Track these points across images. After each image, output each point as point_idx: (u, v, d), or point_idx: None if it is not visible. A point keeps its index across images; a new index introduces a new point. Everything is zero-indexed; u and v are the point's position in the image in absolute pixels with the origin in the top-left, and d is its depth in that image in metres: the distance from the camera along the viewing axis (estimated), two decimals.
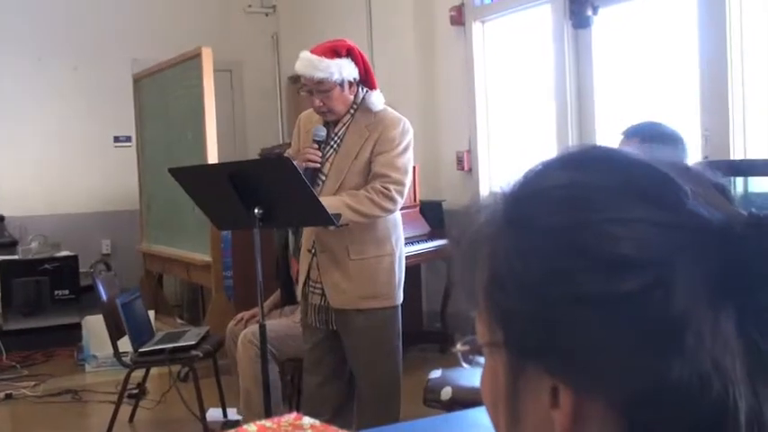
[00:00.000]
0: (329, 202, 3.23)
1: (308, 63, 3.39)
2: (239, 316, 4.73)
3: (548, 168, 0.69)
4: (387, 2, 7.08)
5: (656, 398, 0.60)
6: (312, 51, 3.42)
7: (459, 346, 0.75)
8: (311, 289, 3.55)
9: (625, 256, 0.60)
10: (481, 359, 0.72)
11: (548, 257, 0.63)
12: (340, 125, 3.49)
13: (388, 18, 7.08)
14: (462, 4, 6.33)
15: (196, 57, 6.18)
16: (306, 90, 3.47)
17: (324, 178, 3.44)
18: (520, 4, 5.91)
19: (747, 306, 0.60)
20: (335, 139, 3.49)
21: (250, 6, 8.94)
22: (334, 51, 3.41)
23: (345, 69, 3.39)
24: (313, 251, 3.52)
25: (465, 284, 0.71)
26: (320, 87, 3.39)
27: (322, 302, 3.51)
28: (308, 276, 3.57)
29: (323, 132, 3.47)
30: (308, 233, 3.61)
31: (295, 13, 8.70)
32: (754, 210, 0.63)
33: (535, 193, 0.67)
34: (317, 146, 3.45)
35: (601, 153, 0.69)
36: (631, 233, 0.61)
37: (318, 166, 3.42)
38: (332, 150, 3.49)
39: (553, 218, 0.64)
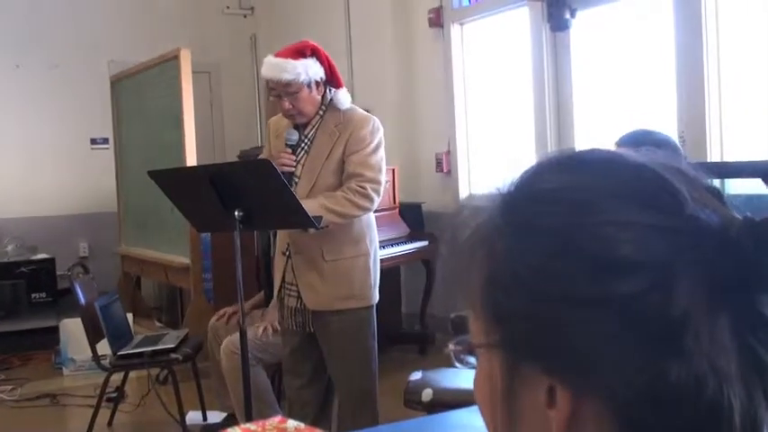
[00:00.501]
0: (307, 206, 3.22)
1: (274, 66, 3.39)
2: (222, 311, 4.73)
3: (545, 169, 0.69)
4: (365, 4, 7.09)
5: (653, 398, 0.60)
6: (277, 55, 3.43)
7: (451, 346, 0.75)
8: (287, 291, 3.55)
9: (623, 258, 0.61)
10: (473, 359, 0.73)
11: (546, 258, 0.63)
12: (309, 127, 3.50)
13: (366, 20, 7.08)
14: (440, 7, 6.35)
15: (174, 58, 6.15)
16: (274, 94, 3.47)
17: (296, 180, 3.44)
18: (498, 7, 5.93)
19: (743, 309, 0.61)
20: (306, 141, 3.50)
21: (228, 8, 8.92)
22: (299, 52, 3.41)
23: (311, 69, 3.40)
24: (287, 253, 3.52)
25: (461, 285, 0.71)
26: (288, 90, 3.39)
27: (298, 305, 3.51)
28: (283, 279, 3.56)
29: (295, 136, 3.47)
30: (281, 236, 3.60)
31: (273, 14, 8.69)
32: (749, 214, 0.64)
33: (533, 194, 0.67)
34: (290, 150, 3.45)
35: (599, 155, 0.70)
36: (629, 235, 0.61)
37: (293, 169, 3.42)
38: (303, 152, 3.49)
39: (552, 219, 0.64)
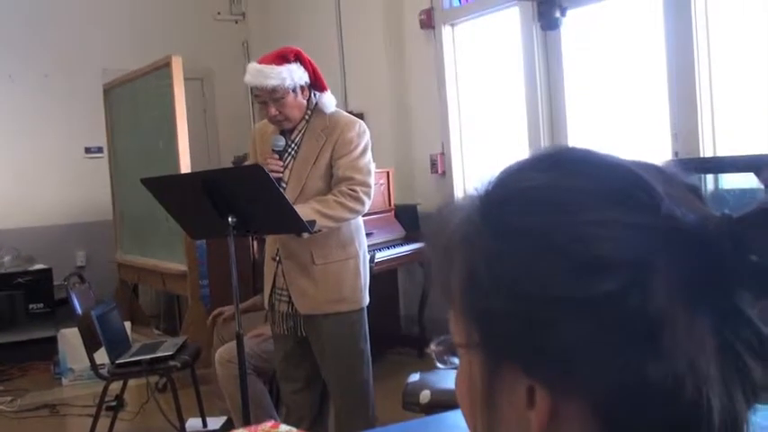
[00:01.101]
0: (300, 211, 3.23)
1: (259, 73, 3.38)
2: (217, 311, 4.75)
3: (523, 169, 0.70)
4: (356, 7, 7.09)
5: (632, 398, 0.61)
6: (260, 61, 3.43)
7: (433, 347, 0.75)
8: (278, 297, 3.55)
9: (600, 257, 0.61)
10: (456, 359, 0.73)
11: (524, 258, 0.63)
12: (296, 132, 3.50)
13: (358, 23, 7.09)
14: (431, 8, 6.35)
15: (166, 65, 6.16)
16: (260, 101, 3.47)
17: (284, 186, 3.43)
18: (488, 7, 5.94)
19: (722, 307, 0.61)
20: (293, 146, 3.50)
21: (219, 14, 8.92)
22: (283, 57, 3.41)
23: (296, 74, 3.40)
24: (277, 258, 3.52)
25: (441, 284, 0.71)
26: (274, 96, 3.39)
27: (289, 309, 3.51)
28: (273, 284, 3.56)
29: (282, 142, 3.47)
30: (271, 241, 3.60)
31: (265, 20, 8.69)
32: (726, 211, 0.63)
33: (511, 193, 0.67)
34: (277, 156, 3.45)
35: (576, 154, 0.70)
36: (606, 234, 0.61)
37: (281, 176, 3.42)
38: (290, 157, 3.49)
39: (529, 219, 0.64)
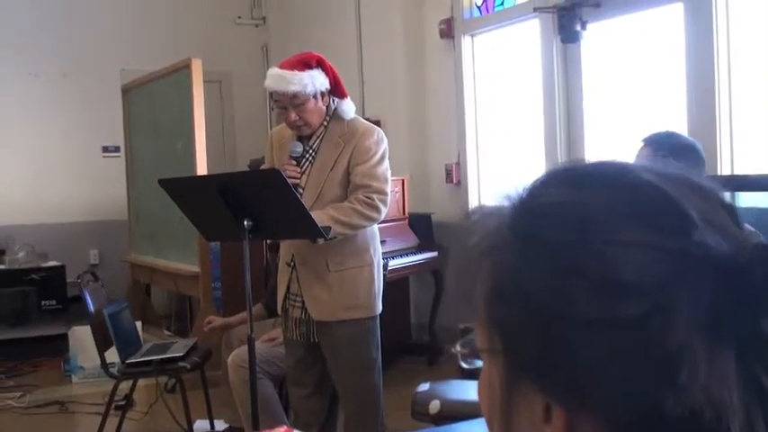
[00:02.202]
0: (316, 217, 3.22)
1: (281, 78, 3.37)
2: (208, 319, 4.79)
3: (553, 181, 0.69)
4: (376, 14, 7.10)
5: (647, 425, 0.60)
6: (281, 66, 3.41)
7: (458, 347, 0.75)
8: (291, 302, 3.54)
9: (625, 281, 0.59)
10: (479, 362, 0.73)
11: (549, 275, 0.62)
12: (314, 138, 3.49)
13: (377, 30, 7.10)
14: (452, 18, 6.36)
15: (185, 67, 6.18)
16: (280, 106, 3.45)
17: (301, 192, 3.42)
18: (509, 18, 5.94)
19: (749, 338, 0.60)
20: (310, 151, 3.49)
21: (240, 18, 8.95)
22: (305, 63, 3.40)
23: (317, 80, 3.39)
24: (292, 264, 3.51)
25: (465, 290, 0.70)
26: (295, 101, 3.37)
27: (302, 315, 3.50)
28: (287, 290, 3.55)
29: (299, 148, 3.46)
30: (285, 246, 3.60)
31: (285, 24, 8.71)
32: (762, 239, 0.62)
33: (540, 207, 0.67)
34: (294, 162, 3.45)
35: (607, 169, 0.68)
36: (633, 257, 0.60)
37: (298, 181, 3.42)
38: (308, 163, 3.48)
39: (555, 235, 0.63)
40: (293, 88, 3.34)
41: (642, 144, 3.19)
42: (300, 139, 3.50)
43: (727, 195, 0.67)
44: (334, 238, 3.33)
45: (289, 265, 3.53)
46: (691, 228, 0.61)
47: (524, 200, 0.68)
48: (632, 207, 0.63)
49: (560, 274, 0.62)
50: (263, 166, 3.74)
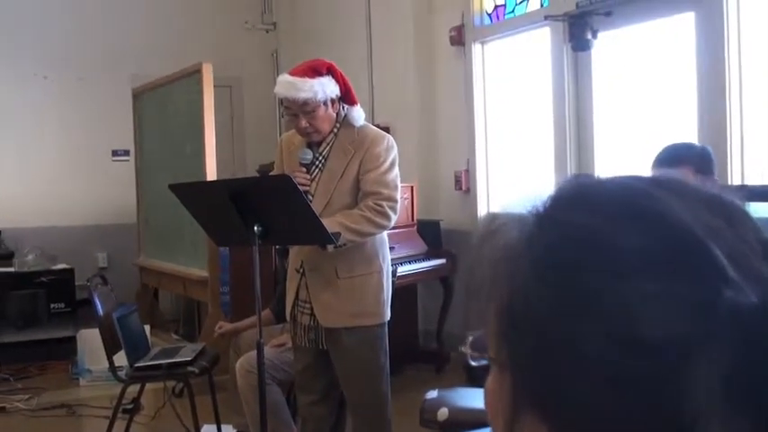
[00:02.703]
0: (326, 224, 3.22)
1: (291, 85, 3.35)
2: (219, 324, 4.79)
3: (580, 203, 0.65)
4: (387, 21, 7.11)
5: None
6: (292, 73, 3.40)
7: (468, 348, 0.73)
8: (300, 309, 3.53)
9: (643, 335, 0.56)
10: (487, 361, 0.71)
11: (565, 311, 0.59)
12: (324, 144, 3.48)
13: (387, 37, 7.11)
14: (462, 25, 6.36)
15: (196, 72, 6.20)
16: (290, 113, 3.43)
17: (311, 199, 3.42)
18: (520, 26, 5.94)
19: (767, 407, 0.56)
20: (320, 158, 3.48)
21: (251, 23, 8.97)
22: (315, 70, 3.39)
23: (328, 87, 3.38)
24: (301, 271, 3.51)
25: (478, 300, 0.68)
26: (305, 108, 3.36)
27: (311, 322, 3.49)
28: (297, 296, 3.55)
29: (309, 155, 3.46)
30: (294, 253, 3.59)
31: (295, 30, 8.74)
32: None
33: (564, 235, 0.63)
34: (304, 169, 3.45)
35: (638, 198, 0.63)
36: (653, 309, 0.56)
37: (308, 188, 3.42)
38: (317, 170, 3.48)
39: (575, 272, 0.60)
40: (303, 95, 3.34)
41: (656, 166, 3.14)
42: (310, 145, 3.50)
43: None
44: (344, 245, 3.33)
45: (298, 271, 3.53)
46: (721, 281, 0.57)
47: (546, 220, 0.65)
48: (661, 252, 0.59)
49: (577, 313, 0.59)
50: (272, 172, 3.73)
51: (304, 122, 3.40)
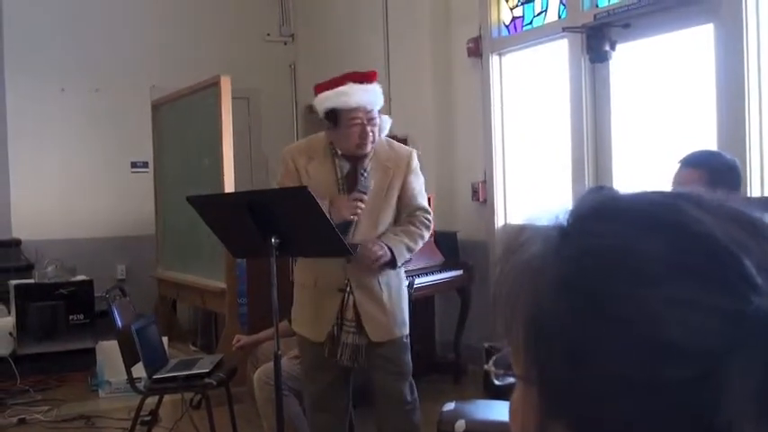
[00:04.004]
0: (394, 246, 3.34)
1: (376, 93, 3.37)
2: (237, 338, 4.79)
3: (604, 214, 0.65)
4: (404, 33, 7.13)
5: None
6: (363, 80, 3.37)
7: (491, 366, 0.73)
8: (346, 328, 3.48)
9: (672, 342, 0.55)
10: (511, 378, 0.70)
11: (592, 323, 0.59)
12: (366, 160, 3.46)
13: (405, 48, 7.12)
14: (480, 36, 6.37)
15: (215, 84, 6.23)
16: (357, 123, 3.36)
17: (355, 219, 3.43)
18: (537, 38, 5.94)
19: None
20: (364, 175, 3.46)
21: (269, 35, 9.01)
22: (375, 78, 3.42)
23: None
24: (347, 290, 3.47)
25: (504, 313, 0.68)
26: (373, 116, 3.37)
27: (356, 340, 3.47)
28: (340, 316, 3.48)
29: (369, 183, 3.44)
30: (330, 270, 3.50)
31: (313, 42, 8.76)
32: None
33: (589, 246, 0.62)
34: (365, 197, 3.42)
35: (662, 209, 0.63)
36: (682, 317, 0.56)
37: (357, 217, 3.42)
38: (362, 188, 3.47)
39: (605, 282, 0.60)
40: (380, 102, 3.37)
41: (679, 165, 3.15)
42: (348, 159, 3.45)
43: None
44: (404, 263, 3.42)
45: (341, 290, 3.49)
46: (749, 288, 0.56)
47: (571, 233, 0.64)
48: (688, 259, 0.58)
49: (604, 324, 0.58)
50: (281, 184, 3.68)
51: (371, 131, 3.39)
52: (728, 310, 0.55)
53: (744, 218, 0.62)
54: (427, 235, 3.52)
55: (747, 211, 0.63)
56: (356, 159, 3.46)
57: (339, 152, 3.49)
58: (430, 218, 3.53)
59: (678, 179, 3.12)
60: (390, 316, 3.49)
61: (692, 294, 0.56)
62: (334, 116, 3.40)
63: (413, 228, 3.46)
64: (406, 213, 3.49)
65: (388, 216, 3.49)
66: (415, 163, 3.53)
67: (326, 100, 3.41)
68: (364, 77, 3.41)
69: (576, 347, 0.60)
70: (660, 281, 0.57)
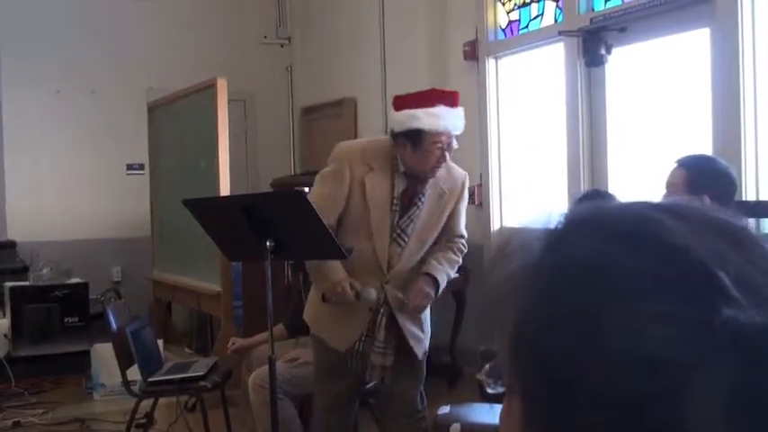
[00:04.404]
0: (440, 279, 3.38)
1: (462, 118, 3.29)
2: (232, 340, 4.78)
3: (585, 229, 0.64)
4: (401, 36, 7.13)
5: None
6: (449, 103, 3.28)
7: (484, 376, 0.73)
8: (376, 349, 3.44)
9: (642, 355, 0.55)
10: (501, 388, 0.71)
11: (563, 337, 0.59)
12: (427, 183, 3.40)
13: (401, 52, 7.12)
14: (476, 40, 6.37)
15: (211, 87, 6.23)
16: (439, 146, 3.27)
17: (407, 239, 3.40)
18: (533, 41, 5.95)
19: None
20: (422, 198, 3.40)
21: (265, 38, 9.01)
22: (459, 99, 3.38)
23: None
24: (381, 310, 3.43)
25: (493, 322, 0.68)
26: (452, 141, 3.30)
27: (386, 362, 3.45)
28: (372, 336, 3.45)
29: (374, 296, 3.36)
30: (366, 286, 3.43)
31: (309, 45, 8.77)
32: None
33: (568, 261, 0.62)
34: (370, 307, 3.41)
35: (641, 222, 0.62)
36: (659, 331, 0.55)
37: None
38: (416, 209, 3.40)
39: (580, 298, 0.59)
40: (462, 128, 3.33)
41: (676, 165, 3.19)
42: (408, 177, 3.37)
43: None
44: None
45: (371, 309, 3.45)
46: (721, 301, 0.55)
47: (556, 244, 0.64)
48: (661, 273, 0.58)
49: (574, 337, 0.58)
50: (320, 192, 3.43)
51: (447, 156, 3.33)
52: (698, 321, 0.55)
53: (726, 228, 0.62)
54: (461, 260, 3.55)
55: (731, 221, 0.63)
56: (416, 178, 3.37)
57: (402, 169, 3.36)
58: (465, 243, 3.55)
59: (669, 178, 3.17)
60: (426, 332, 3.55)
61: (662, 307, 0.56)
62: (416, 136, 3.24)
63: (453, 256, 3.48)
64: (446, 238, 3.50)
65: (433, 238, 3.48)
66: (466, 191, 3.53)
67: (414, 119, 3.24)
68: (453, 101, 3.31)
69: (549, 360, 0.60)
70: (630, 295, 0.57)
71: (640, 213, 0.64)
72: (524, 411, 0.64)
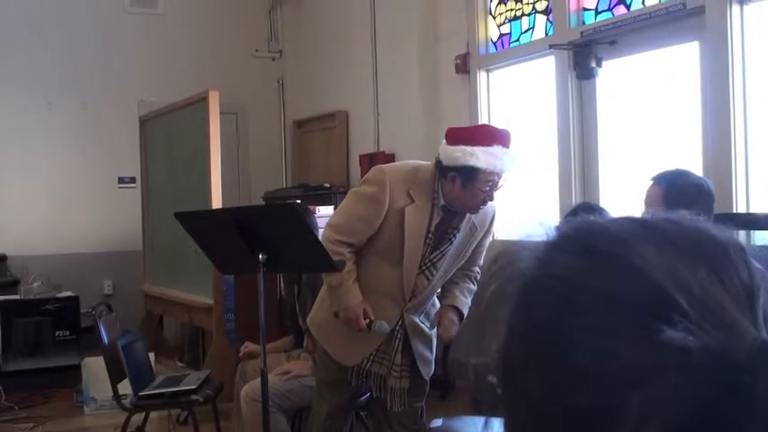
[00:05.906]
0: (464, 311, 3.43)
1: (514, 159, 3.29)
2: (245, 344, 4.77)
3: (566, 246, 0.65)
4: (392, 49, 7.14)
5: None
6: (505, 143, 3.27)
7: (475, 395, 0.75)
8: (393, 373, 3.46)
9: (585, 372, 0.56)
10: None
11: (531, 355, 0.61)
12: (464, 217, 3.40)
13: (393, 65, 7.14)
14: (467, 53, 6.39)
15: (203, 100, 6.23)
16: (490, 186, 3.26)
17: (435, 273, 3.41)
18: (525, 55, 5.96)
19: None
20: (455, 233, 3.40)
21: (257, 51, 9.02)
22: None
23: None
24: (399, 336, 3.45)
25: (483, 336, 0.70)
26: (501, 181, 3.29)
27: (405, 385, 3.48)
28: (390, 360, 3.47)
29: (386, 329, 3.41)
30: (385, 307, 3.42)
31: (301, 58, 8.78)
32: (763, 335, 0.55)
33: (544, 278, 0.63)
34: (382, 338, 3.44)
35: (615, 241, 0.62)
36: (598, 346, 0.56)
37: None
38: (448, 244, 3.40)
39: (543, 313, 0.62)
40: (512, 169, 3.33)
41: (651, 182, 3.21)
42: (443, 211, 3.36)
43: (759, 271, 0.61)
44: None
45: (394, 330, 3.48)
46: (670, 321, 0.55)
47: (541, 258, 0.65)
48: (616, 292, 0.58)
49: (541, 353, 0.60)
50: (354, 213, 3.38)
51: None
52: (642, 341, 0.55)
53: (706, 246, 0.61)
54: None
55: (717, 237, 0.62)
56: (452, 212, 3.36)
57: (442, 203, 3.34)
58: (479, 273, 3.58)
59: (645, 196, 3.21)
60: (433, 355, 3.61)
61: (610, 325, 0.57)
62: (470, 174, 3.20)
63: (472, 286, 3.53)
64: (466, 267, 3.53)
65: (458, 267, 3.50)
66: (494, 226, 3.54)
67: (471, 156, 3.18)
68: (508, 141, 3.30)
69: (519, 377, 0.62)
70: (587, 310, 0.58)
71: (620, 232, 0.64)
72: (505, 425, 0.65)
